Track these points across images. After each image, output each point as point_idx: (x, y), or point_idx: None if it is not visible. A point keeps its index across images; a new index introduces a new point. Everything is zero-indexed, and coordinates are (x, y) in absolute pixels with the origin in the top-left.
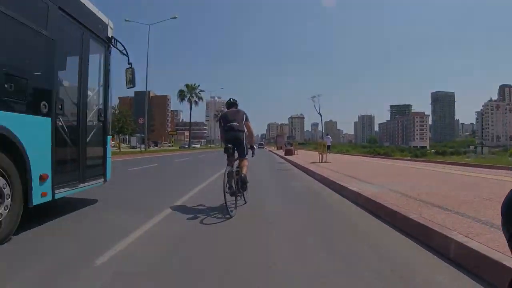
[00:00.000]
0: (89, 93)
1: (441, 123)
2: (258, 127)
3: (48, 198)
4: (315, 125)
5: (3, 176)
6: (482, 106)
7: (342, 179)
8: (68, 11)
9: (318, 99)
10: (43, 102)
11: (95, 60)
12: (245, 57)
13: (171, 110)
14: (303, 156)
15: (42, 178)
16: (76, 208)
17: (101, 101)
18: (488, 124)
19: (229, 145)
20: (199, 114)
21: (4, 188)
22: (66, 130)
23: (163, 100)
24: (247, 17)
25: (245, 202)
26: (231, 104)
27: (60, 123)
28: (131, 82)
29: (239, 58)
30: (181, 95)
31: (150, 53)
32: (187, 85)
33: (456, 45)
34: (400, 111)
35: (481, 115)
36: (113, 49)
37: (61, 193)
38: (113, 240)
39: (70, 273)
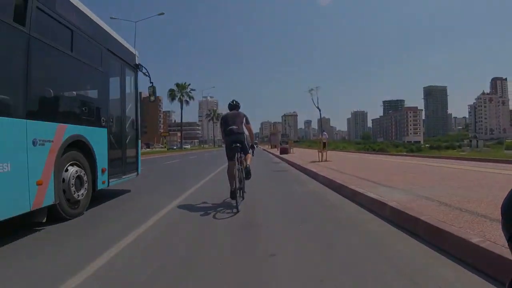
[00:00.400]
0: (126, 108)
1: (434, 118)
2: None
3: (106, 185)
4: (308, 122)
5: (82, 169)
6: (475, 99)
7: (353, 182)
8: (113, 51)
9: (316, 92)
10: (102, 118)
11: (128, 82)
12: (238, 56)
13: (164, 111)
14: (299, 155)
15: (103, 171)
16: (118, 195)
17: (133, 113)
18: (481, 117)
19: (236, 144)
20: (191, 114)
21: (84, 177)
22: (115, 137)
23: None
24: (239, 14)
25: (243, 199)
26: (233, 106)
27: (111, 132)
28: (153, 96)
29: (232, 58)
30: (172, 95)
31: (138, 52)
32: (177, 84)
33: (447, 39)
34: (393, 107)
35: (474, 109)
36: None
37: (112, 182)
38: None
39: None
